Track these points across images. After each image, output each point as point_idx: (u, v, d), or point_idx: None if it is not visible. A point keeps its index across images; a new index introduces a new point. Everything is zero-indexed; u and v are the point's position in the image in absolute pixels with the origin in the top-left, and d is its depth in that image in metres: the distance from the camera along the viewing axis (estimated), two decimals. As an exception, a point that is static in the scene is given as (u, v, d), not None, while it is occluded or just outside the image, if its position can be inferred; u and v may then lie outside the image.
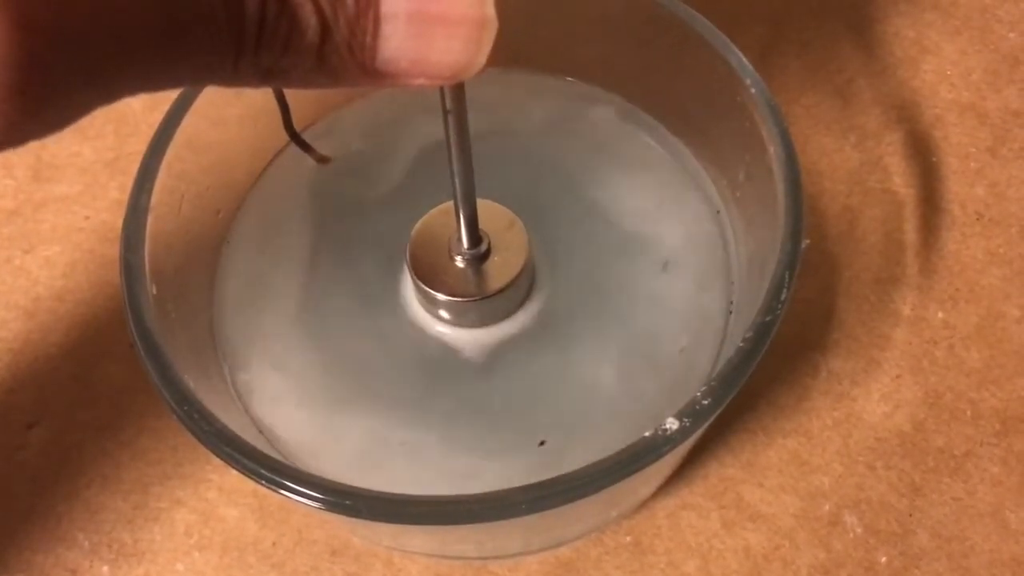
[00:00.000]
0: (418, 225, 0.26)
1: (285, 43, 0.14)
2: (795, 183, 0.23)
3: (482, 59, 0.16)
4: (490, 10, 0.15)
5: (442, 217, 0.26)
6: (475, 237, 0.24)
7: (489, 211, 0.25)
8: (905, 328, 0.32)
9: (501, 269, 0.25)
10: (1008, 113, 0.36)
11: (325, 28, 0.14)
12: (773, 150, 0.24)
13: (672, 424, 0.20)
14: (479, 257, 0.25)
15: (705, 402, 0.20)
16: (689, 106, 0.28)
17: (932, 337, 0.32)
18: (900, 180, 0.35)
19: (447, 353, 0.26)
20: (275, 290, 0.27)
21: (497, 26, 0.15)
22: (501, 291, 0.25)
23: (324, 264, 0.27)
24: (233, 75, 0.14)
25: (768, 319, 0.21)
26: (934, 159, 0.35)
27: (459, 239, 0.24)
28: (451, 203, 0.23)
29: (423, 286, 0.25)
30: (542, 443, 0.25)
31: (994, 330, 0.32)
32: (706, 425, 0.21)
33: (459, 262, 0.25)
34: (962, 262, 0.33)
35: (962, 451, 0.30)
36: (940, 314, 0.32)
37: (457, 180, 0.22)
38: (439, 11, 0.15)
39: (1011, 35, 0.38)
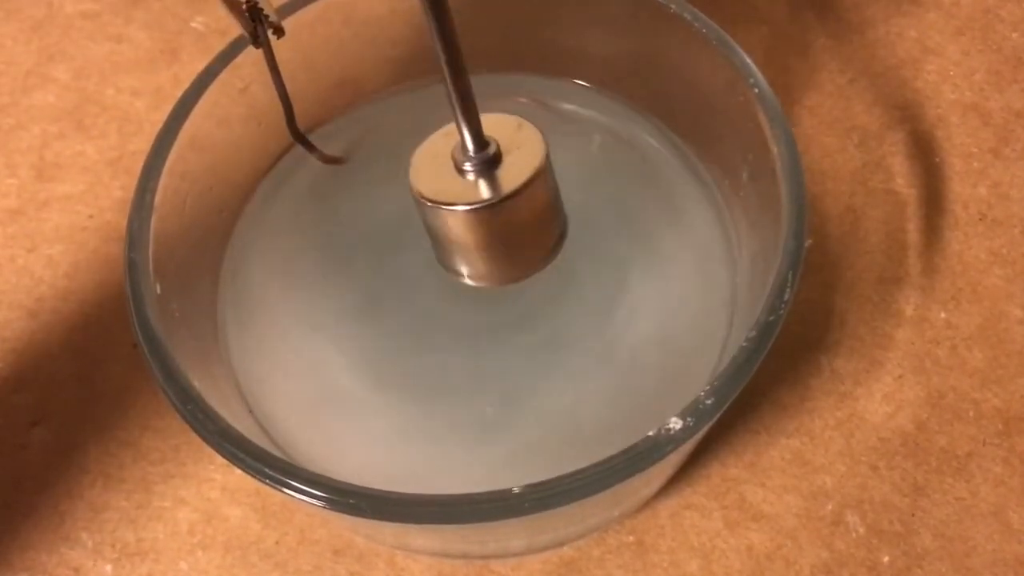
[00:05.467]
0: (417, 151, 0.23)
1: None
2: (798, 183, 0.23)
3: None
4: None
5: (442, 140, 0.23)
6: (480, 139, 0.21)
7: (493, 121, 0.22)
8: (908, 328, 0.32)
9: (517, 168, 0.21)
10: (1011, 113, 0.36)
11: None
12: (776, 150, 0.24)
13: (675, 423, 0.20)
14: (489, 161, 0.21)
15: (708, 401, 0.20)
16: (692, 106, 0.28)
17: (935, 337, 0.32)
18: (903, 180, 0.35)
19: (458, 342, 0.25)
20: (279, 290, 0.27)
21: None
22: (522, 189, 0.21)
23: (329, 263, 0.28)
24: None
25: (771, 319, 0.21)
26: (937, 159, 0.35)
27: (463, 146, 0.21)
28: (451, 126, 0.21)
29: (431, 203, 0.22)
30: (540, 439, 0.25)
31: (997, 330, 0.32)
32: (709, 424, 0.21)
33: (469, 174, 0.22)
34: (965, 262, 0.33)
35: (965, 451, 0.30)
36: (943, 314, 0.32)
37: (446, 68, 0.19)
38: None
39: (1014, 35, 0.38)
